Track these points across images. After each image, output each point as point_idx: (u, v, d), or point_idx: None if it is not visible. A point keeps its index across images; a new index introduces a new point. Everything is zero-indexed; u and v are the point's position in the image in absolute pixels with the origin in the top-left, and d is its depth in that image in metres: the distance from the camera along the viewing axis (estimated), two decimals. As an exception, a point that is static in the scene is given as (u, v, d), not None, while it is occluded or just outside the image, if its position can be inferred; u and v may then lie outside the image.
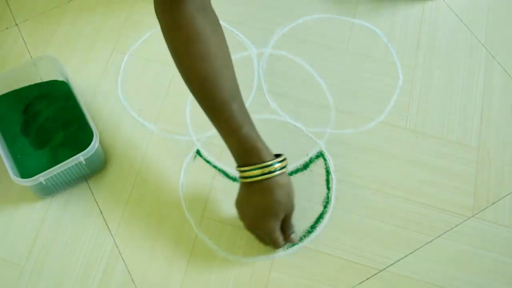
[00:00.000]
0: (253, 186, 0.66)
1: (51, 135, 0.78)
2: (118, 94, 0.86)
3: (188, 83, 0.65)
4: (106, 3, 0.94)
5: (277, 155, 0.67)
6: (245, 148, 0.65)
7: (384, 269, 0.74)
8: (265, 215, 0.68)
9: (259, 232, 0.72)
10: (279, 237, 0.70)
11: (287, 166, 0.68)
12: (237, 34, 0.91)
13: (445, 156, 0.82)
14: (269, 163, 0.65)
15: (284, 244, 0.72)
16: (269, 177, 0.65)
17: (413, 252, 0.75)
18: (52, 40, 0.90)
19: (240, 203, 0.71)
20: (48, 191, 0.76)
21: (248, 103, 0.85)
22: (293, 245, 0.75)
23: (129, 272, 0.73)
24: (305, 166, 0.81)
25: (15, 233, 0.75)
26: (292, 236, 0.72)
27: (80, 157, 0.71)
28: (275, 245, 0.72)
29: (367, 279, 0.73)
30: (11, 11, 0.93)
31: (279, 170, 0.66)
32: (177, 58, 0.65)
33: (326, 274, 0.73)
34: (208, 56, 0.62)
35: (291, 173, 0.80)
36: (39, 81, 0.83)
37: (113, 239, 0.75)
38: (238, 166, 0.67)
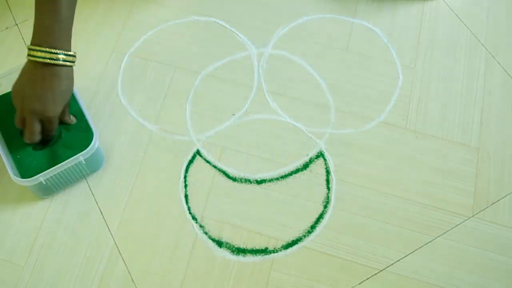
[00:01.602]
0: (42, 69, 0.69)
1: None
2: (118, 94, 0.86)
3: None
4: (106, 3, 0.94)
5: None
6: (46, 27, 0.68)
7: (384, 269, 0.74)
8: (55, 99, 0.70)
9: (40, 117, 0.71)
10: (34, 129, 0.71)
11: (74, 64, 0.71)
12: (237, 34, 0.91)
13: (445, 156, 0.82)
14: (55, 51, 0.68)
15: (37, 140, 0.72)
16: (53, 63, 0.68)
17: (413, 252, 0.75)
18: (52, 40, 0.90)
19: (23, 85, 0.71)
20: (48, 191, 0.76)
21: (248, 103, 0.85)
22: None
23: (129, 272, 0.73)
24: (305, 166, 0.81)
25: (15, 233, 0.75)
26: (69, 117, 0.75)
27: (80, 157, 0.71)
28: (51, 131, 0.73)
29: (367, 279, 0.73)
30: (11, 11, 0.93)
31: (62, 61, 0.69)
32: None
33: (326, 274, 0.73)
34: None
35: (291, 173, 0.80)
36: (39, 81, 0.83)
37: (113, 239, 0.75)
38: (31, 43, 0.69)
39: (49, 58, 0.68)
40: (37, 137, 0.72)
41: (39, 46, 0.68)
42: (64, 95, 0.71)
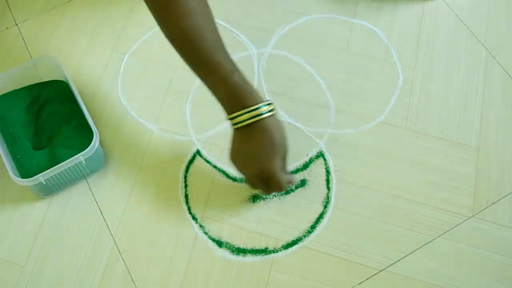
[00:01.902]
0: (247, 131, 0.66)
1: (51, 135, 0.78)
2: (118, 94, 0.86)
3: (171, 40, 0.67)
4: (106, 3, 0.94)
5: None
6: (233, 95, 0.66)
7: (384, 269, 0.74)
8: (268, 155, 0.67)
9: (264, 177, 0.70)
10: (283, 176, 0.70)
11: (275, 109, 0.68)
12: (237, 34, 0.91)
13: (445, 156, 0.82)
14: (256, 106, 0.65)
15: (287, 187, 0.72)
16: (260, 119, 0.65)
17: (413, 252, 0.75)
18: (52, 40, 0.90)
19: (236, 153, 0.70)
20: (48, 191, 0.76)
21: (248, 103, 0.85)
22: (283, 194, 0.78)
23: (129, 272, 0.73)
24: (305, 166, 0.81)
25: (15, 233, 0.75)
26: (292, 177, 0.72)
27: (80, 157, 0.71)
28: (279, 187, 0.70)
29: (367, 279, 0.73)
30: (11, 11, 0.93)
31: (267, 112, 0.66)
32: (159, 17, 0.66)
33: (326, 274, 0.73)
34: (189, 12, 0.64)
35: (291, 173, 0.80)
36: (39, 81, 0.83)
37: (113, 239, 0.75)
38: (228, 114, 0.67)
39: (255, 116, 0.65)
40: (270, 193, 0.75)
41: (238, 111, 0.65)
42: (276, 147, 0.67)
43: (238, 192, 0.79)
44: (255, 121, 0.65)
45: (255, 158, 0.68)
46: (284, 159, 0.70)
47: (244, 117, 0.65)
